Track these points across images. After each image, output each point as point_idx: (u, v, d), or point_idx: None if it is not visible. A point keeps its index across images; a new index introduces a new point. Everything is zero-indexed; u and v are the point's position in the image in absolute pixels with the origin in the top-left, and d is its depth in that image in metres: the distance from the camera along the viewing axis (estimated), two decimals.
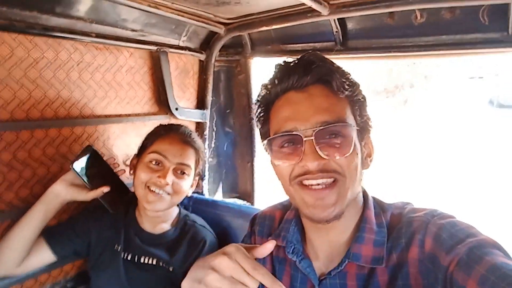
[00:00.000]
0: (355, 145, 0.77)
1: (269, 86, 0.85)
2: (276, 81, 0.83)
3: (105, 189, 1.21)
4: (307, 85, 0.80)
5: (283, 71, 0.83)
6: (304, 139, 0.75)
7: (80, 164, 1.19)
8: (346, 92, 0.79)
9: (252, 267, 0.63)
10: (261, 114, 0.90)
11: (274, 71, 0.85)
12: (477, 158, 8.64)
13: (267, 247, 0.68)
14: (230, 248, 0.66)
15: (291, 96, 0.81)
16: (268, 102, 0.87)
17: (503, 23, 1.09)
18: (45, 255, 1.25)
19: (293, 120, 0.78)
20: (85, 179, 1.19)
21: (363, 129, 0.83)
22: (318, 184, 0.76)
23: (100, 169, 1.25)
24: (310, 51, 0.85)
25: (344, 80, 0.79)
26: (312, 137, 0.74)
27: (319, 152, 0.74)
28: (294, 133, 0.77)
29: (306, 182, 0.77)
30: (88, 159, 1.22)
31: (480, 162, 8.40)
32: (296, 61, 0.83)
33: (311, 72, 0.79)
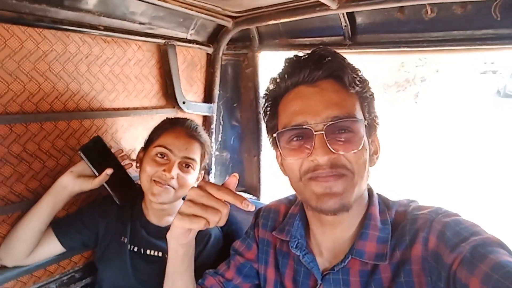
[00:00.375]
0: (364, 141, 0.77)
1: (278, 80, 0.85)
2: (286, 75, 0.83)
3: (109, 171, 1.22)
4: (318, 80, 0.80)
5: (294, 65, 0.83)
6: (315, 133, 0.75)
7: (88, 151, 1.21)
8: (357, 88, 0.79)
9: (217, 190, 0.75)
10: (269, 108, 0.89)
11: (284, 65, 0.85)
12: (484, 146, 8.74)
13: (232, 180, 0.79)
14: (202, 182, 0.78)
15: (302, 90, 0.81)
16: (276, 95, 0.86)
17: None
18: (53, 246, 1.27)
19: (304, 114, 0.77)
20: (91, 165, 1.21)
21: (371, 126, 0.83)
22: (328, 175, 0.75)
23: (107, 159, 1.27)
24: (321, 46, 0.84)
25: (354, 76, 0.79)
26: (323, 131, 0.74)
27: (329, 147, 0.74)
28: (304, 127, 0.76)
29: (316, 174, 0.77)
30: (96, 148, 1.24)
31: (487, 150, 8.44)
32: (307, 56, 0.82)
33: (322, 66, 0.78)
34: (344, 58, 0.82)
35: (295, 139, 0.79)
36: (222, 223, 0.75)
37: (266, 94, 0.90)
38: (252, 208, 0.73)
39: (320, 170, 0.75)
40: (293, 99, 0.81)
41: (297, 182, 0.82)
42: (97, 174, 1.22)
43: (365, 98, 0.82)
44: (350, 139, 0.76)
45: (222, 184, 0.78)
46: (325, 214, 0.78)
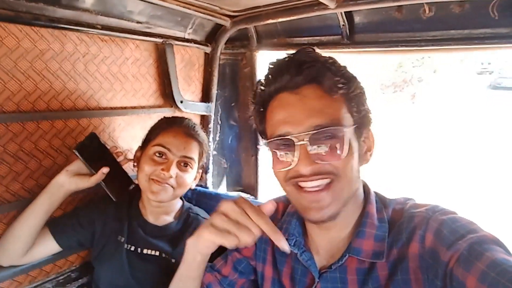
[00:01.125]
0: (350, 146, 0.76)
1: (263, 85, 0.84)
2: (269, 81, 0.82)
3: (105, 169, 1.21)
4: (300, 86, 0.78)
5: (276, 70, 0.81)
6: (297, 143, 0.74)
7: (83, 150, 1.20)
8: (341, 91, 0.77)
9: (256, 213, 0.71)
10: (257, 113, 0.88)
11: (268, 68, 0.84)
12: (479, 141, 9.14)
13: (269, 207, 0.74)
14: (239, 198, 0.74)
15: (284, 98, 0.80)
16: (263, 100, 0.85)
17: None
18: (50, 246, 1.27)
19: (286, 123, 0.77)
20: (87, 164, 1.20)
21: (362, 123, 0.81)
22: (313, 187, 0.75)
23: (103, 157, 1.26)
24: (304, 47, 0.82)
25: (338, 78, 0.77)
26: (305, 142, 0.74)
27: (312, 157, 0.74)
28: (287, 137, 0.76)
29: (302, 184, 0.77)
30: (91, 146, 1.22)
31: (481, 145, 8.79)
32: (288, 60, 0.81)
33: (303, 72, 0.77)
34: (327, 60, 0.80)
35: (281, 147, 0.79)
36: (250, 245, 0.73)
37: (253, 98, 0.89)
38: (288, 250, 0.70)
39: (303, 178, 0.75)
40: (277, 106, 0.81)
41: (284, 186, 0.83)
42: (93, 172, 1.21)
43: (352, 97, 0.80)
44: (335, 148, 0.75)
45: (258, 206, 0.75)
46: (313, 223, 0.80)
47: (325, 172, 0.75)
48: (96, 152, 1.23)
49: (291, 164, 0.76)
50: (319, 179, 0.75)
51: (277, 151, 0.80)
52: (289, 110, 0.78)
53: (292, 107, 0.77)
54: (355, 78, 0.82)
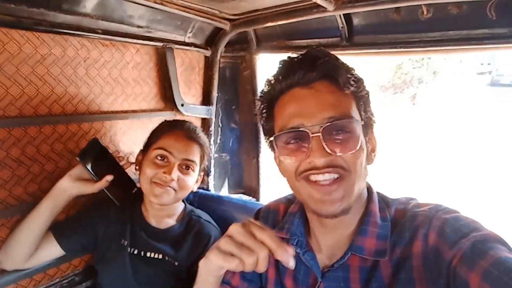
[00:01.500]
0: (361, 140, 0.77)
1: (273, 82, 0.85)
2: (281, 77, 0.83)
3: (109, 177, 1.22)
4: (313, 81, 0.79)
5: (288, 67, 0.82)
6: (311, 135, 0.75)
7: (86, 156, 1.20)
8: (352, 88, 0.79)
9: (260, 230, 0.69)
10: (265, 110, 0.89)
11: (279, 67, 0.85)
12: (480, 139, 9.32)
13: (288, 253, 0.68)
14: (247, 220, 0.73)
15: (296, 92, 0.81)
16: (272, 98, 0.86)
17: (511, 18, 1.07)
18: (53, 250, 1.27)
19: (300, 116, 0.77)
20: (91, 171, 1.21)
21: (367, 124, 0.83)
22: (325, 180, 0.76)
23: (106, 162, 1.27)
24: (315, 47, 0.84)
25: (349, 76, 0.79)
26: (319, 133, 0.74)
27: (326, 149, 0.74)
28: (301, 129, 0.76)
29: (313, 178, 0.77)
30: (94, 152, 1.23)
31: (482, 143, 8.92)
32: (301, 57, 0.82)
33: (316, 68, 0.78)
34: (338, 58, 0.82)
35: (292, 141, 0.80)
36: (261, 268, 0.68)
37: (261, 96, 0.90)
38: (293, 266, 0.67)
39: (315, 170, 0.76)
40: (289, 101, 0.81)
41: (293, 182, 0.82)
42: (96, 178, 1.22)
43: (360, 97, 0.82)
44: (347, 140, 0.76)
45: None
46: (325, 218, 0.79)
47: (337, 166, 0.75)
48: (98, 157, 1.24)
49: (305, 155, 0.76)
50: (331, 172, 0.75)
51: (287, 145, 0.80)
52: (302, 104, 0.79)
53: (305, 101, 0.78)
54: (362, 80, 0.83)
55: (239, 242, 0.69)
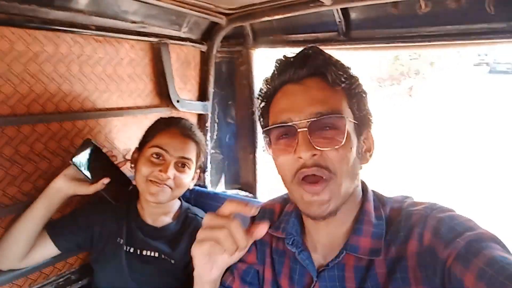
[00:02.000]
0: (349, 138, 0.77)
1: (269, 81, 0.87)
2: (276, 75, 0.85)
3: (105, 180, 1.22)
4: (304, 78, 0.81)
5: (282, 65, 0.84)
6: (298, 130, 0.75)
7: (80, 159, 1.19)
8: (343, 85, 0.79)
9: (224, 206, 0.72)
10: (263, 109, 0.91)
11: (274, 66, 0.86)
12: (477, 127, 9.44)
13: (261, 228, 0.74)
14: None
15: (288, 89, 0.82)
16: (268, 96, 0.88)
17: (509, 13, 1.06)
18: (48, 249, 1.26)
19: (288, 111, 0.78)
20: (86, 173, 1.19)
21: (362, 123, 0.83)
22: (314, 175, 0.76)
23: (101, 162, 1.25)
24: (310, 45, 0.85)
25: (340, 73, 0.79)
26: (306, 128, 0.75)
27: (312, 143, 0.74)
28: (288, 124, 0.77)
29: (301, 175, 0.77)
30: (88, 152, 1.21)
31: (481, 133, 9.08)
32: (294, 55, 0.84)
33: (307, 64, 0.80)
34: (331, 56, 0.83)
35: (282, 136, 0.81)
36: (240, 243, 0.70)
37: (259, 95, 0.91)
38: (255, 211, 0.71)
39: (305, 169, 0.76)
40: (281, 97, 0.83)
41: (289, 183, 0.82)
42: (92, 179, 1.21)
43: (353, 95, 0.82)
44: (334, 136, 0.76)
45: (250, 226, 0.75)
46: (313, 219, 0.81)
47: (324, 167, 0.76)
48: (92, 158, 1.22)
49: (292, 150, 0.77)
50: (319, 170, 0.75)
51: (278, 140, 0.81)
52: (291, 99, 0.80)
53: (295, 96, 0.80)
54: (357, 78, 0.84)
55: (211, 226, 0.72)
